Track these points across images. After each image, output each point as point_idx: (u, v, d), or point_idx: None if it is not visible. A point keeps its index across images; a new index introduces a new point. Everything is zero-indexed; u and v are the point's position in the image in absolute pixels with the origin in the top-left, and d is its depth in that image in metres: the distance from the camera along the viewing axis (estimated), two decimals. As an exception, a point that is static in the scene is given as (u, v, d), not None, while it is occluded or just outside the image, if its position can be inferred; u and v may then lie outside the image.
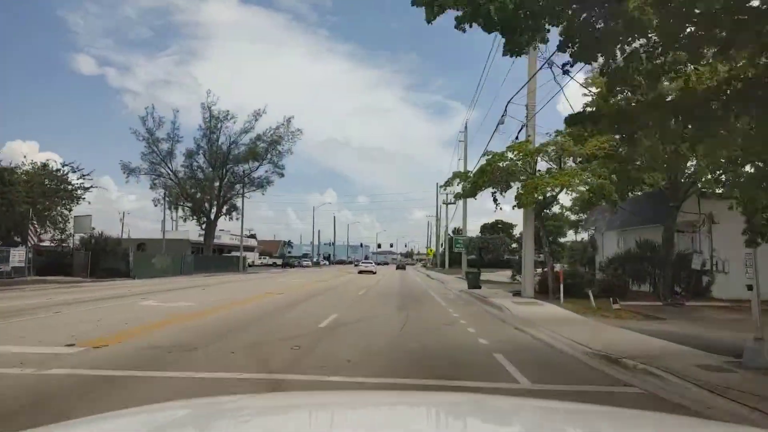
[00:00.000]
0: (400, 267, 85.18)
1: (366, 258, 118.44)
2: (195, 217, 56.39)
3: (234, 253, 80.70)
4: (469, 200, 36.36)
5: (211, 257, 53.28)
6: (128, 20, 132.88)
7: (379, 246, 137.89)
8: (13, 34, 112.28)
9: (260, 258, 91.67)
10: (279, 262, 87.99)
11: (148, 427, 1.80)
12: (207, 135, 54.66)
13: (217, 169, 55.35)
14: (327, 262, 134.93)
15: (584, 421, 2.05)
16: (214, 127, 54.71)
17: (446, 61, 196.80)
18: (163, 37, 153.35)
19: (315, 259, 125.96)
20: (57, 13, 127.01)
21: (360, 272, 50.35)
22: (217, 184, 55.73)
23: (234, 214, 58.32)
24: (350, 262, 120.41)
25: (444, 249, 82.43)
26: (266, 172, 56.79)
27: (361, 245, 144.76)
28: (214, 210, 56.09)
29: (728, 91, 6.90)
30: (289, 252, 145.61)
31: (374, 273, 50.18)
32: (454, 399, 2.98)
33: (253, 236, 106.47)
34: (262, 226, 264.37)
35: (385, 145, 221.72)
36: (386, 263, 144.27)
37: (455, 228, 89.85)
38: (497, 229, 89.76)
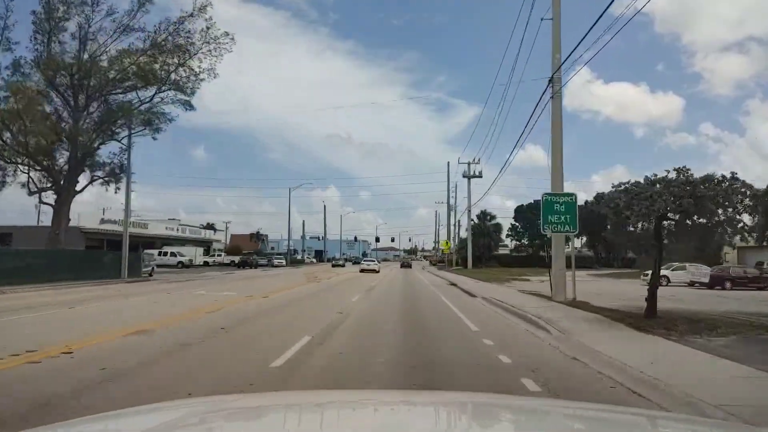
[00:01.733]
0: (405, 265, 70.69)
1: (364, 255, 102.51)
2: (48, 182, 31.85)
3: (166, 249, 56.61)
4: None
5: (46, 253, 28.52)
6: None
7: (377, 240, 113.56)
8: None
9: (210, 255, 67.47)
10: (237, 260, 63.30)
11: (150, 426, 1.80)
12: (48, 32, 30.06)
13: (68, 93, 30.79)
14: (314, 260, 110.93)
15: (589, 421, 2.04)
16: (63, 18, 30.13)
17: (447, 58, 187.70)
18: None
19: (299, 257, 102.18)
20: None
21: (362, 271, 47.28)
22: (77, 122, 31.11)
23: (120, 184, 33.69)
24: (329, 260, 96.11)
25: (467, 241, 57.97)
26: (162, 100, 32.29)
27: (356, 239, 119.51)
28: (73, 169, 31.51)
29: None
30: (272, 248, 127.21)
31: (377, 272, 46.77)
32: (459, 399, 2.73)
33: (210, 227, 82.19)
34: (262, 222, 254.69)
35: (387, 142, 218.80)
36: (387, 260, 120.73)
37: (482, 211, 65.26)
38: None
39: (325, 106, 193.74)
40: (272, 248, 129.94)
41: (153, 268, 37.84)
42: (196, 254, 58.23)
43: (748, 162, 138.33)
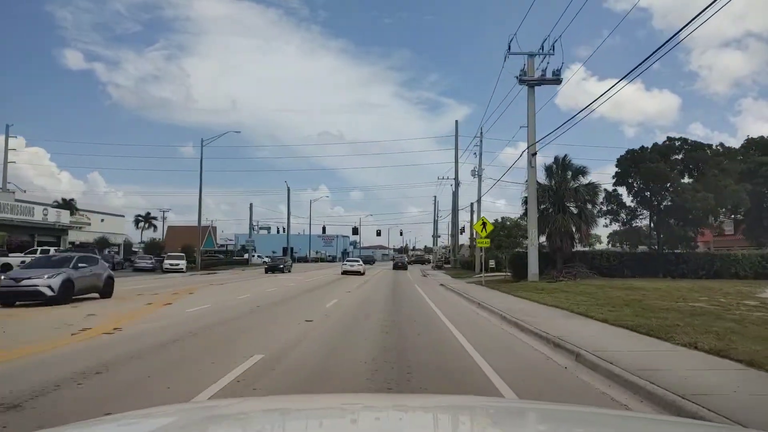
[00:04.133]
0: (400, 266, 56.53)
1: (345, 253, 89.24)
2: None
3: None
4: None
5: None
6: (117, 15, 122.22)
7: (354, 232, 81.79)
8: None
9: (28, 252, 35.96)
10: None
11: (150, 429, 1.79)
12: None
13: None
14: (267, 260, 79.93)
15: (583, 423, 2.01)
16: None
17: (439, 57, 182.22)
18: (152, 31, 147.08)
19: (251, 255, 72.79)
20: (44, 8, 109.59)
21: (344, 272, 41.67)
22: None
23: None
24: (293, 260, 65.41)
25: (528, 221, 25.88)
26: None
27: (324, 230, 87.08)
28: None
29: None
30: (222, 244, 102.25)
31: (362, 274, 41.44)
32: (450, 402, 2.70)
33: (67, 206, 50.11)
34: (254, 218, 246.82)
35: (379, 140, 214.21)
36: (373, 260, 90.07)
37: (558, 158, 31.36)
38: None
39: (316, 104, 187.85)
40: (221, 244, 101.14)
41: None
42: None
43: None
